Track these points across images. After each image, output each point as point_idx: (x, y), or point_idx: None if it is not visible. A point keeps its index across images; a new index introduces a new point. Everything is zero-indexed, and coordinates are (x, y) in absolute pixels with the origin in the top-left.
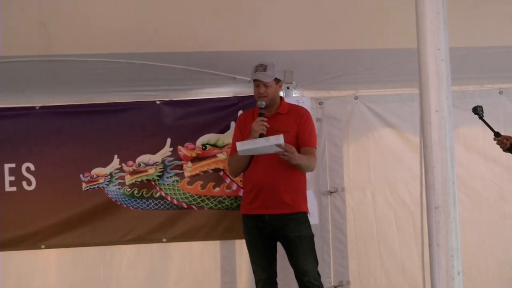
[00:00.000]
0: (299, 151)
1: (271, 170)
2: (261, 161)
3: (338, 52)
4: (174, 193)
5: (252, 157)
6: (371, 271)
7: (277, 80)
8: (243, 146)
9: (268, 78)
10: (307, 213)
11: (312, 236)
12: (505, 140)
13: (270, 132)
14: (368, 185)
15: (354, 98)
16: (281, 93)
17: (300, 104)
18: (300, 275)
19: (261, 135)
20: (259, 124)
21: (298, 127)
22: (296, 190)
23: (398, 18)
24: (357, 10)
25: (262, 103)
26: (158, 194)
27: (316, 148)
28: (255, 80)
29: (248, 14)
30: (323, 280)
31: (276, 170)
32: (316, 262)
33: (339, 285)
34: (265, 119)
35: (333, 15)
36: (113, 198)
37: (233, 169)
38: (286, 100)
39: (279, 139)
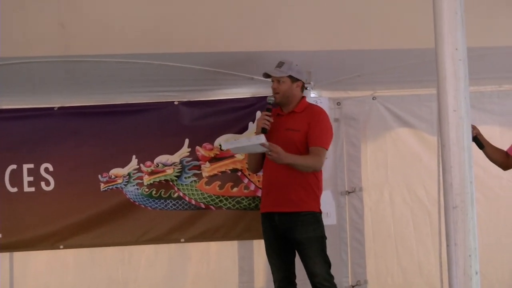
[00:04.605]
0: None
1: (280, 168)
2: None
3: (356, 52)
4: (192, 194)
5: (264, 154)
6: (388, 270)
7: (293, 79)
8: (227, 145)
9: (279, 73)
10: (319, 213)
11: (322, 237)
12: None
13: (280, 130)
14: (386, 185)
15: (372, 99)
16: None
17: (318, 105)
18: (310, 277)
19: (263, 130)
20: (262, 119)
21: (309, 126)
22: (305, 189)
23: (416, 18)
24: (375, 10)
25: (271, 99)
26: (176, 195)
27: (324, 148)
28: (269, 77)
29: (265, 14)
30: (341, 279)
31: (285, 168)
32: (326, 263)
33: (356, 285)
34: (269, 114)
35: (351, 15)
36: (131, 198)
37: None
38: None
39: (260, 138)
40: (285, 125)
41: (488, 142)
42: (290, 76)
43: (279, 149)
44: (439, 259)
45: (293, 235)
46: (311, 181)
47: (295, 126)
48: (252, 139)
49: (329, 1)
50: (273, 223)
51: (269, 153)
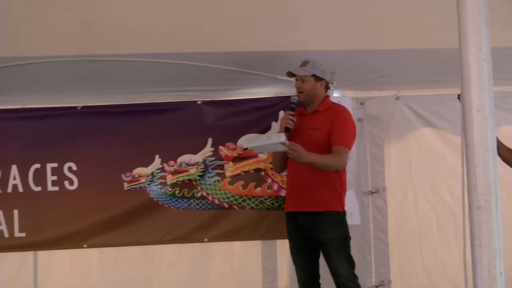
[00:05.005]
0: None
1: (304, 167)
2: None
3: (380, 52)
4: (215, 193)
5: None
6: (412, 271)
7: (317, 78)
8: (248, 144)
9: (303, 72)
10: (343, 213)
11: (345, 237)
12: None
13: (303, 129)
14: (410, 185)
15: (396, 98)
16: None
17: (342, 104)
18: (334, 277)
19: (287, 130)
20: (285, 118)
21: (331, 125)
22: (328, 189)
23: (440, 17)
24: (398, 10)
25: (294, 98)
26: (199, 194)
27: (346, 147)
28: (293, 75)
29: (289, 14)
30: (365, 279)
31: (309, 167)
32: (351, 264)
33: (380, 285)
34: (293, 113)
35: (374, 15)
36: (154, 197)
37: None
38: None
39: (280, 137)
40: (308, 124)
41: (501, 143)
42: (314, 75)
43: (299, 148)
44: (463, 260)
45: (317, 235)
46: (335, 181)
47: (318, 125)
48: (272, 138)
49: (352, 1)
50: (297, 222)
51: (289, 152)
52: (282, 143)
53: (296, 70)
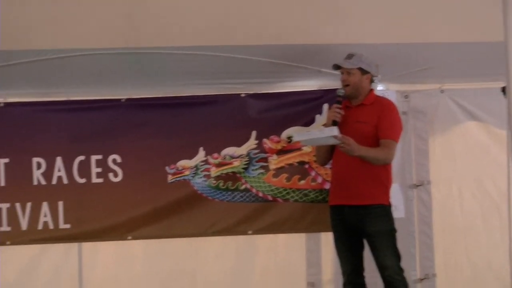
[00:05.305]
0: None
1: (350, 161)
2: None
3: (425, 45)
4: (259, 186)
5: (333, 146)
6: (457, 264)
7: (363, 71)
8: (299, 137)
9: (349, 65)
10: (389, 206)
11: (392, 230)
12: None
13: (349, 122)
14: (454, 178)
15: (440, 92)
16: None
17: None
18: (381, 270)
19: (334, 123)
20: (332, 112)
21: (378, 119)
22: (375, 182)
23: (485, 11)
24: (444, 3)
25: (341, 91)
26: (243, 187)
27: (394, 140)
28: (338, 68)
29: (334, 7)
30: (409, 272)
31: (355, 160)
32: (397, 257)
33: (425, 278)
34: (339, 106)
35: (419, 8)
36: (198, 190)
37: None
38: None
39: (333, 130)
40: (354, 117)
41: None
42: (360, 68)
43: (352, 141)
44: (509, 253)
45: (363, 228)
46: (381, 174)
47: (364, 118)
48: (324, 131)
49: None
50: (342, 216)
51: (342, 145)
52: (335, 137)
53: (342, 63)
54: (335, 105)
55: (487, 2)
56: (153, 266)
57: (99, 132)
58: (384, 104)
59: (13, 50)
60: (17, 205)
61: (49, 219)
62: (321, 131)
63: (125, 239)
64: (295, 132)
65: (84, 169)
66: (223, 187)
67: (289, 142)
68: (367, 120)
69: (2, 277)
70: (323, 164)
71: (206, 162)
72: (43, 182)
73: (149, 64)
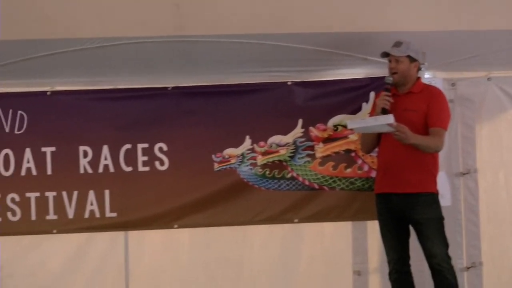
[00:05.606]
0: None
1: (398, 149)
2: (390, 139)
3: (472, 33)
4: (306, 174)
5: (379, 134)
6: (504, 253)
7: (411, 59)
8: (353, 124)
9: (398, 52)
10: (436, 194)
11: (440, 218)
12: None
13: (398, 110)
14: (501, 166)
15: (487, 79)
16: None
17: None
18: (428, 258)
19: (383, 111)
20: (382, 99)
21: (428, 107)
22: (423, 170)
23: None
24: None
25: (389, 79)
26: (289, 175)
27: (444, 129)
28: (387, 56)
29: None
30: (455, 261)
31: (403, 148)
32: (445, 245)
33: (471, 266)
34: (389, 93)
35: None
36: (244, 178)
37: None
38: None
39: (389, 118)
40: (402, 105)
41: None
42: (409, 56)
43: (407, 129)
44: None
45: (412, 215)
46: (429, 162)
47: (413, 106)
48: (379, 119)
49: None
50: (390, 204)
51: (396, 133)
52: (390, 124)
53: (391, 50)
54: (384, 93)
55: None
56: (199, 254)
57: (146, 121)
58: (433, 93)
59: (57, 39)
60: (64, 193)
61: (95, 207)
62: (376, 119)
63: (171, 227)
64: (349, 120)
65: (131, 158)
66: (269, 176)
67: (335, 130)
68: (416, 108)
69: (48, 266)
70: (368, 152)
71: (252, 150)
72: (89, 170)
73: (196, 52)
